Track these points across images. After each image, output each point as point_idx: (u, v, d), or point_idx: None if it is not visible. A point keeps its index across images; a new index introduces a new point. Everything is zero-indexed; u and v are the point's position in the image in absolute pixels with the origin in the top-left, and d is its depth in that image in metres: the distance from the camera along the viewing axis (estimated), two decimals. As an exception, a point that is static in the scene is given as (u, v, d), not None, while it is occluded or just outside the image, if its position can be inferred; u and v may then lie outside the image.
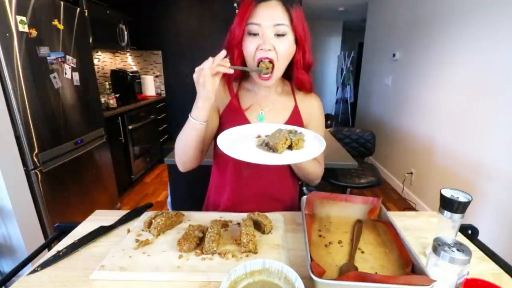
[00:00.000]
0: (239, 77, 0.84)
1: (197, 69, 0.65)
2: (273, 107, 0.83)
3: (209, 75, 0.64)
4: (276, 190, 0.89)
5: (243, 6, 0.69)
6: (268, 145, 0.65)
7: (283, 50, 0.70)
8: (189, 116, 0.71)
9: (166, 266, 0.59)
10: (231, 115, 0.82)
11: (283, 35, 0.69)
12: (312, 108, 0.86)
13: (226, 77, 0.79)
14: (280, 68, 0.74)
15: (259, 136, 0.71)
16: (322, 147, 0.64)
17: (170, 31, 3.82)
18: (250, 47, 0.71)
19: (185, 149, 0.76)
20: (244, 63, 0.77)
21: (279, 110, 0.83)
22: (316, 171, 0.85)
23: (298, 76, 0.78)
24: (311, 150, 0.65)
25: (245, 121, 0.81)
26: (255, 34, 0.70)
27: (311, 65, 0.79)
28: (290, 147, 0.65)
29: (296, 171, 0.86)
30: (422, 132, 2.65)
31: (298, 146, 0.65)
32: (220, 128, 0.83)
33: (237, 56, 0.75)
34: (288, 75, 0.82)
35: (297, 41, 0.73)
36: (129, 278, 0.57)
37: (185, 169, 0.83)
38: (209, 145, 0.85)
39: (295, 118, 0.83)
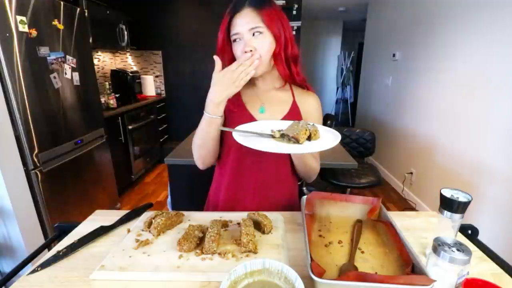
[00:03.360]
0: None
1: (237, 68, 0.71)
2: (273, 101, 0.88)
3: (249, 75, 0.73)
4: (275, 183, 0.91)
5: (224, 19, 0.78)
6: (288, 137, 0.68)
7: (262, 46, 0.77)
8: (205, 113, 0.77)
9: (166, 266, 0.59)
10: (234, 111, 0.86)
11: (260, 33, 0.76)
12: (310, 104, 0.90)
13: None
14: (264, 61, 0.79)
15: (273, 131, 0.73)
16: (338, 138, 0.68)
17: (170, 31, 3.82)
18: (237, 52, 0.79)
19: (205, 145, 0.84)
20: None
21: (278, 104, 0.88)
22: (315, 166, 0.90)
23: (279, 68, 0.83)
24: (327, 140, 0.69)
25: (248, 114, 0.86)
26: (239, 40, 0.78)
27: (296, 56, 0.84)
28: (308, 138, 0.69)
29: (299, 167, 0.89)
30: (422, 132, 2.65)
31: (316, 136, 0.69)
32: (225, 121, 0.88)
33: (228, 61, 0.81)
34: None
35: (275, 37, 0.78)
36: (129, 278, 0.57)
37: (205, 166, 0.90)
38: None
39: (294, 112, 0.87)
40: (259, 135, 0.70)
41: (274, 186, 0.91)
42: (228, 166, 0.91)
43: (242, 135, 0.69)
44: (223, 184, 0.92)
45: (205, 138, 0.82)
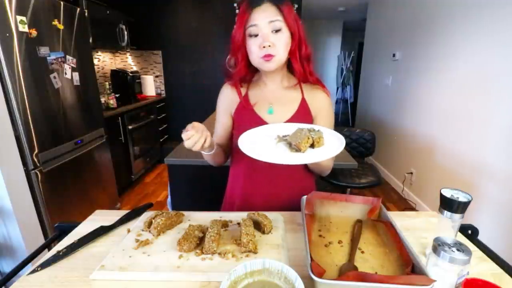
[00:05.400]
0: (248, 77, 0.89)
1: (189, 142, 0.69)
2: (281, 101, 0.87)
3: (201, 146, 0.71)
4: (290, 181, 0.91)
5: (240, 13, 0.77)
6: (290, 145, 0.68)
7: (282, 43, 0.77)
8: None
9: (166, 266, 0.59)
10: (243, 114, 0.87)
11: (279, 29, 0.76)
12: (320, 100, 0.88)
13: (234, 80, 0.86)
14: (280, 58, 0.78)
15: (278, 137, 0.73)
16: (342, 145, 0.67)
17: (170, 31, 3.82)
18: (252, 47, 0.77)
19: (210, 162, 0.89)
20: (248, 65, 0.83)
21: (287, 103, 0.87)
22: (328, 164, 0.88)
23: (295, 66, 0.84)
24: (331, 147, 0.68)
25: (256, 117, 0.85)
26: (255, 35, 0.76)
27: (310, 55, 0.84)
28: (311, 146, 0.68)
29: (312, 167, 0.89)
30: (422, 132, 2.65)
31: (319, 144, 0.68)
32: (235, 127, 0.90)
33: (241, 59, 0.81)
34: (291, 70, 0.87)
35: (292, 35, 0.79)
36: (129, 278, 0.57)
37: (218, 165, 0.93)
38: (231, 142, 0.93)
39: (303, 110, 0.86)
40: (261, 142, 0.70)
41: (290, 184, 0.91)
42: (241, 168, 0.92)
43: (248, 144, 0.69)
44: (239, 184, 0.93)
45: (209, 158, 0.85)
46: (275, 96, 0.87)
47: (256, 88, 0.89)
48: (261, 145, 0.70)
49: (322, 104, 0.88)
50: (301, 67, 0.83)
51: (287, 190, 0.91)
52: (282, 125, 0.78)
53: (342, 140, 0.69)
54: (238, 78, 0.86)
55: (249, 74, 0.88)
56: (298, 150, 0.66)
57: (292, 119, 0.84)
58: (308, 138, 0.67)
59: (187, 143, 0.69)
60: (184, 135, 0.68)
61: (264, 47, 0.75)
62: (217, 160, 0.89)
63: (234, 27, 0.78)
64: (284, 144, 0.70)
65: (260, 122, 0.84)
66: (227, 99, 0.90)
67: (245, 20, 0.76)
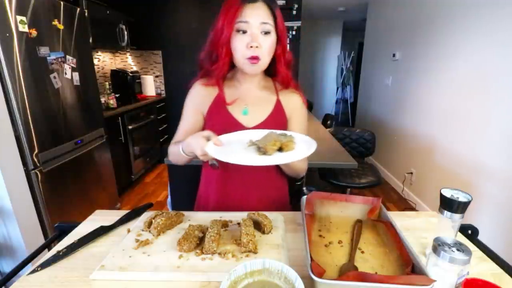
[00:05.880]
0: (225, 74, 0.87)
1: (200, 153, 0.68)
2: (256, 102, 0.86)
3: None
4: (265, 181, 0.90)
5: (229, 6, 0.74)
6: (259, 148, 0.68)
7: (268, 46, 0.76)
8: (181, 149, 0.76)
9: (166, 266, 0.59)
10: (216, 113, 0.85)
11: (268, 32, 0.75)
12: (294, 102, 0.89)
13: (215, 75, 0.82)
14: (265, 62, 0.78)
15: (250, 141, 0.73)
16: (311, 149, 0.66)
17: (170, 31, 3.82)
18: (239, 44, 0.75)
19: (177, 162, 0.86)
20: (231, 60, 0.80)
21: (262, 104, 0.86)
22: (300, 167, 0.88)
23: (280, 70, 0.83)
24: (300, 151, 0.68)
25: (230, 117, 0.83)
26: (243, 32, 0.74)
27: (291, 62, 0.85)
28: (280, 149, 0.68)
29: (284, 168, 0.89)
30: (422, 132, 2.65)
31: (288, 148, 0.68)
32: (207, 127, 0.86)
33: (225, 54, 0.78)
34: (270, 72, 0.86)
35: (278, 38, 0.79)
36: (129, 278, 0.57)
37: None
38: None
39: (278, 112, 0.86)
40: (233, 146, 0.70)
41: (264, 184, 0.90)
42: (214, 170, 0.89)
43: (216, 148, 0.68)
44: (212, 186, 0.92)
45: (181, 160, 0.82)
46: (251, 96, 0.85)
47: (231, 88, 0.86)
48: (230, 148, 0.69)
49: (296, 106, 0.89)
50: (286, 71, 0.83)
51: (260, 191, 0.90)
52: (257, 131, 0.77)
53: (313, 146, 0.68)
54: (221, 75, 0.82)
55: (226, 71, 0.84)
56: (265, 153, 0.66)
57: (267, 120, 0.84)
58: (276, 141, 0.67)
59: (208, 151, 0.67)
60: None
61: (251, 47, 0.73)
62: (186, 161, 0.84)
63: (219, 21, 0.76)
64: (254, 148, 0.70)
65: (234, 122, 0.82)
66: (199, 97, 0.86)
67: (236, 14, 0.73)
